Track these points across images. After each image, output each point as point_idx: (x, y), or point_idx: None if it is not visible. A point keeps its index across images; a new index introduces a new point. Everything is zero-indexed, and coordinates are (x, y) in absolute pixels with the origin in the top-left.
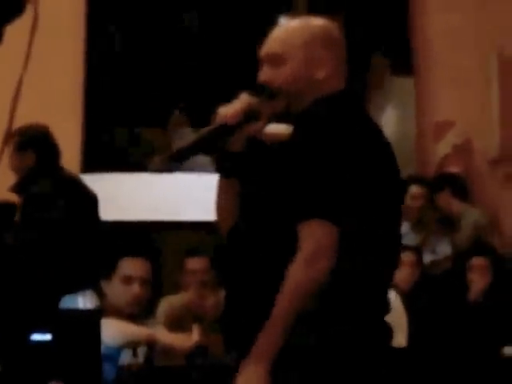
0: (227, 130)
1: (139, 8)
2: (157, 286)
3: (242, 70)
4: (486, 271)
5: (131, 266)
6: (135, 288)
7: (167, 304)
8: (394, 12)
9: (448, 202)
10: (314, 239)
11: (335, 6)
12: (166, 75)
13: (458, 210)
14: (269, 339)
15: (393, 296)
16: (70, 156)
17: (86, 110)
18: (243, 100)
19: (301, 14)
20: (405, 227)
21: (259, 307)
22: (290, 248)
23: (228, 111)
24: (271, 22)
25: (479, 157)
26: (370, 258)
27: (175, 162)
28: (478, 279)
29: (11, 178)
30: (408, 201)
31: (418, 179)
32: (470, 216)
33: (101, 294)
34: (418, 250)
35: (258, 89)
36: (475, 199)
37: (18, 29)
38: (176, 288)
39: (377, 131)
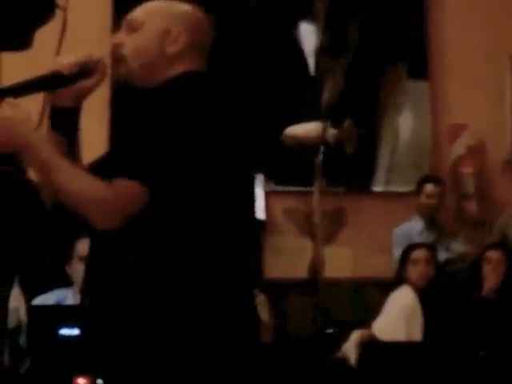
0: (60, 78)
1: None
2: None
3: (266, 69)
4: (501, 264)
5: (86, 247)
6: None
7: None
8: (410, 17)
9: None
10: (122, 192)
11: (354, 11)
12: None
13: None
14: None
15: (409, 292)
16: (97, 154)
17: (112, 109)
18: (82, 54)
19: (320, 20)
20: (420, 225)
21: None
22: None
23: (64, 60)
24: (291, 28)
25: (492, 158)
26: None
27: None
28: (492, 272)
29: None
30: (423, 199)
31: (433, 178)
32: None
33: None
34: (431, 247)
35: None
36: (488, 199)
37: (47, 33)
38: None
39: (225, 117)
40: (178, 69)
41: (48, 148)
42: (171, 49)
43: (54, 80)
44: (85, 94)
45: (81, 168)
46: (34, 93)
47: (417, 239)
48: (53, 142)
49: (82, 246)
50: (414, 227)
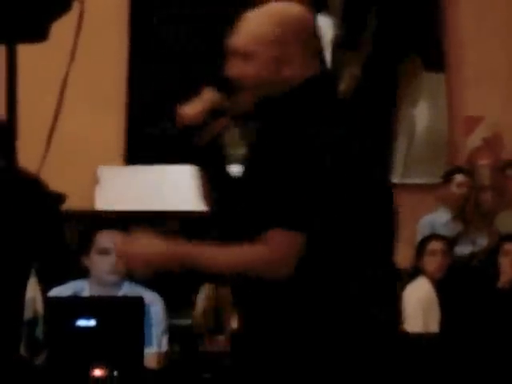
0: (189, 131)
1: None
2: (198, 275)
3: None
4: None
5: (107, 239)
6: (112, 258)
7: (206, 292)
8: (426, 9)
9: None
10: (277, 248)
11: (370, 4)
12: (205, 69)
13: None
14: (193, 255)
15: (425, 283)
16: (114, 149)
17: (128, 104)
18: (205, 98)
19: (336, 12)
20: (445, 216)
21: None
22: None
23: (190, 111)
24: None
25: (508, 150)
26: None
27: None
28: (509, 265)
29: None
30: (453, 189)
31: (462, 169)
32: None
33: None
34: (448, 240)
35: (222, 83)
36: (503, 191)
37: (64, 24)
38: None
39: (348, 121)
40: (294, 81)
41: (189, 250)
42: (287, 72)
43: (184, 135)
44: (220, 131)
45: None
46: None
47: (441, 231)
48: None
49: (102, 239)
50: (439, 218)
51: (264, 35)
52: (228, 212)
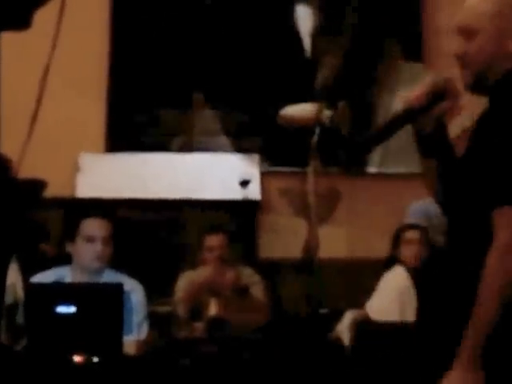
0: (414, 113)
1: None
2: (178, 262)
3: (261, 50)
4: None
5: (93, 227)
6: (98, 246)
7: (186, 279)
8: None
9: None
10: (510, 228)
11: None
12: (186, 57)
13: None
14: (474, 341)
15: (402, 272)
16: (95, 136)
17: (110, 91)
18: (428, 81)
19: (315, 2)
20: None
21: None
22: (487, 236)
23: (413, 95)
24: (287, 9)
25: None
26: None
27: (365, 151)
28: None
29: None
30: None
31: None
32: None
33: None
34: (424, 229)
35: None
36: None
37: (45, 12)
38: (196, 264)
39: None
40: None
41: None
42: (510, 46)
43: (408, 117)
44: (443, 115)
45: None
46: (392, 135)
47: (435, 220)
48: None
49: (87, 226)
50: (432, 208)
51: (485, 10)
52: (454, 198)
